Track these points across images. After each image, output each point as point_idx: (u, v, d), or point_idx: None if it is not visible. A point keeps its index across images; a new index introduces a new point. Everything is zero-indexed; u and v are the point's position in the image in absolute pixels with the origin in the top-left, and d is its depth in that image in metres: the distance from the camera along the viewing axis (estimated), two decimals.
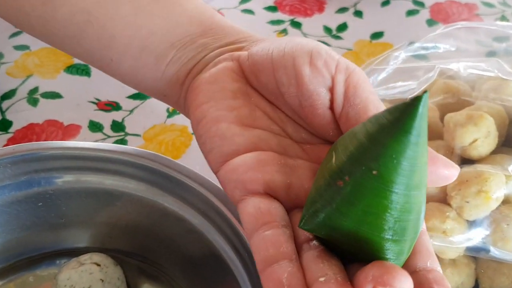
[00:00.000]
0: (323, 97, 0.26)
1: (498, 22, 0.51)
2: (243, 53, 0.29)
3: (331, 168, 0.23)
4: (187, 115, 0.30)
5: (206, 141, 0.27)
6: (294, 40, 0.27)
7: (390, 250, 0.22)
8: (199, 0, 0.33)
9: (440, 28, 0.46)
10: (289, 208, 0.25)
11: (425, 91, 0.20)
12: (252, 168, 0.25)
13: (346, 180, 0.22)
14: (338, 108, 0.26)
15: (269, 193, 0.25)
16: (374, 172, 0.21)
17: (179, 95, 0.31)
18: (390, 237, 0.22)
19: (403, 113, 0.20)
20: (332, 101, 0.26)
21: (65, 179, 0.38)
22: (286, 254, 0.22)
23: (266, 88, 0.27)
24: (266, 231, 0.23)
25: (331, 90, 0.26)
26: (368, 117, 0.23)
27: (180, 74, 0.31)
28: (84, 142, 0.39)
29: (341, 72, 0.26)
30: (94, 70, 0.59)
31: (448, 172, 0.24)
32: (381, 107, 0.26)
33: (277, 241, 0.22)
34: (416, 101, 0.20)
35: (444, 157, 0.24)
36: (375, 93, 0.26)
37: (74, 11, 0.31)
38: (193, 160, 0.43)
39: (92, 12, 0.31)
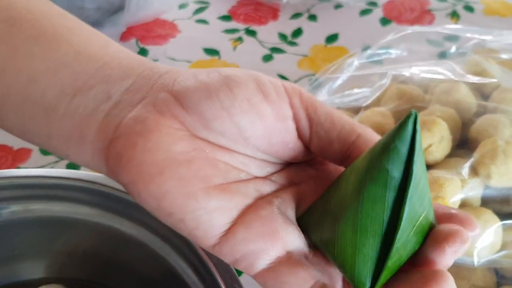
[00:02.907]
0: (291, 130, 0.25)
1: (448, 26, 0.52)
2: (167, 99, 0.24)
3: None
4: (125, 184, 0.24)
5: (186, 219, 0.23)
6: (227, 74, 0.24)
7: None
8: (90, 30, 0.27)
9: (391, 34, 0.46)
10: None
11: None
12: (263, 231, 0.23)
13: None
14: (306, 133, 0.25)
15: (286, 249, 0.24)
16: None
17: (90, 157, 0.25)
18: None
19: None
20: (298, 129, 0.25)
21: (12, 210, 0.37)
22: None
23: (222, 135, 0.24)
24: None
25: (294, 118, 0.25)
26: (337, 129, 0.24)
27: (83, 130, 0.25)
28: (32, 169, 0.37)
29: (292, 96, 0.25)
30: None
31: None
32: (341, 114, 0.25)
33: None
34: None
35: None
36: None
37: None
38: None
39: None
